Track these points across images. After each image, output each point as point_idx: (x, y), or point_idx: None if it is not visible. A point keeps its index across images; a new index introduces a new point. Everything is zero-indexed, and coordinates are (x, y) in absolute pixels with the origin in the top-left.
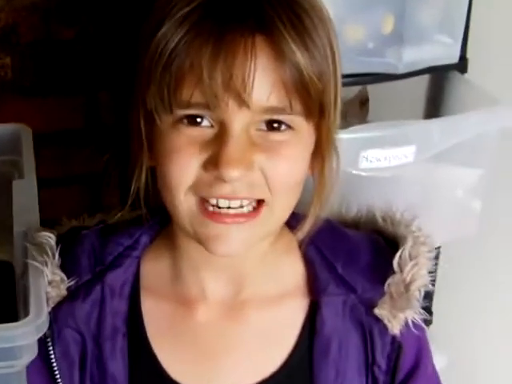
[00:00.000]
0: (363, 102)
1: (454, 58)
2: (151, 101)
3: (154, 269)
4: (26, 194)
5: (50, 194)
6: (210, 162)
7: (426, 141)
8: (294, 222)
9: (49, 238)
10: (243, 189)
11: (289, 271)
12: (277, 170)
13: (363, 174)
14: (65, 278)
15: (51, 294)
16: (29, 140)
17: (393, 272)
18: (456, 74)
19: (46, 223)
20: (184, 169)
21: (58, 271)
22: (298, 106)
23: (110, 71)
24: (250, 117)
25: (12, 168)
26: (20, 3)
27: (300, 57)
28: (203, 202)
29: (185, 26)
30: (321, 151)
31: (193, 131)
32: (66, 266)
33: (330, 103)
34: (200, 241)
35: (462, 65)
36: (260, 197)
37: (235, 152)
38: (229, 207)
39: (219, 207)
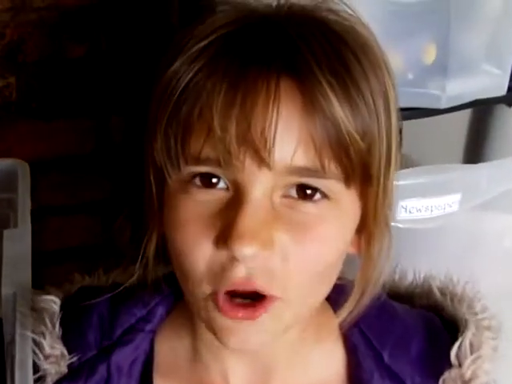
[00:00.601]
0: None
1: (501, 89)
2: (158, 153)
3: (169, 348)
4: (17, 248)
5: (57, 222)
6: (221, 237)
7: (473, 188)
8: (335, 295)
9: (52, 303)
10: (259, 274)
11: (326, 358)
12: (303, 254)
13: (401, 225)
14: (66, 352)
15: (49, 370)
16: (26, 178)
17: (449, 365)
18: (503, 108)
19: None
20: (194, 251)
21: (59, 345)
22: (333, 168)
23: (124, 94)
24: (272, 179)
25: (7, 209)
26: (26, 18)
27: (338, 108)
28: (217, 293)
29: (198, 62)
30: (367, 226)
31: (206, 195)
32: (69, 338)
33: (379, 167)
34: (212, 332)
35: (509, 97)
36: (276, 294)
37: (251, 223)
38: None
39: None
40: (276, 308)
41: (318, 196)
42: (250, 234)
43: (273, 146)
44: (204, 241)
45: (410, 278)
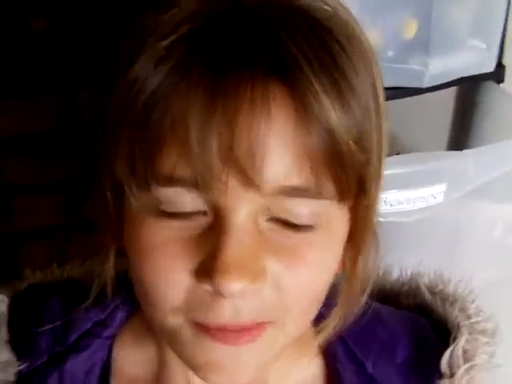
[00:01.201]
0: None
1: (489, 66)
2: (119, 169)
3: (131, 356)
4: None
5: (25, 201)
6: (202, 269)
7: (459, 177)
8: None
9: None
10: (250, 310)
11: (304, 375)
12: (296, 282)
13: (381, 219)
14: (14, 359)
15: None
16: None
17: (439, 374)
18: (491, 85)
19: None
20: (169, 282)
21: (6, 350)
22: (328, 186)
23: (91, 69)
24: (259, 202)
25: None
26: None
27: (332, 113)
28: (195, 324)
29: (166, 64)
30: (355, 239)
31: (180, 221)
32: (18, 343)
33: (373, 175)
34: (190, 366)
35: (498, 73)
36: (268, 319)
37: (236, 252)
38: None
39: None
40: (269, 334)
41: None
42: (237, 266)
43: (263, 165)
44: (180, 271)
45: (395, 274)
